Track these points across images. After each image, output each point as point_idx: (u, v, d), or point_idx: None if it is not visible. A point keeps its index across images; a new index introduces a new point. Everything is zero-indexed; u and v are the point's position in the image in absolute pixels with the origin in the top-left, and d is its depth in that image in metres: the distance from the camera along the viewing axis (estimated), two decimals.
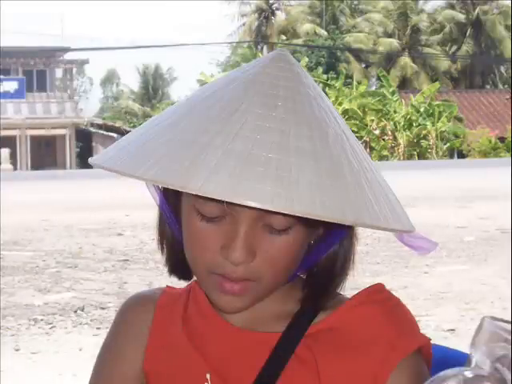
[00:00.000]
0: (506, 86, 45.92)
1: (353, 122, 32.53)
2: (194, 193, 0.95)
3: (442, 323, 6.40)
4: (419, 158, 34.06)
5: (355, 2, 49.33)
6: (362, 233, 1.17)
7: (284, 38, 48.58)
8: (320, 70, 38.18)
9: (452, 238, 10.92)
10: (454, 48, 48.41)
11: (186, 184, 0.95)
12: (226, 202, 0.96)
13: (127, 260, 9.67)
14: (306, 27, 46.20)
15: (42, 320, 6.79)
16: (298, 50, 42.88)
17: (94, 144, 41.56)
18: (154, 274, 8.53)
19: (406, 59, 45.89)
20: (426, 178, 21.80)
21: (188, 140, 0.99)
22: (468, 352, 0.88)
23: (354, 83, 35.51)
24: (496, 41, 47.82)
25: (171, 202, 1.14)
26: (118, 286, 8.14)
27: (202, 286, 1.15)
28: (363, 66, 47.46)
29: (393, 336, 1.11)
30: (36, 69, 41.81)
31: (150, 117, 1.20)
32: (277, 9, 51.27)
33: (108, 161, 1.04)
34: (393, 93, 34.90)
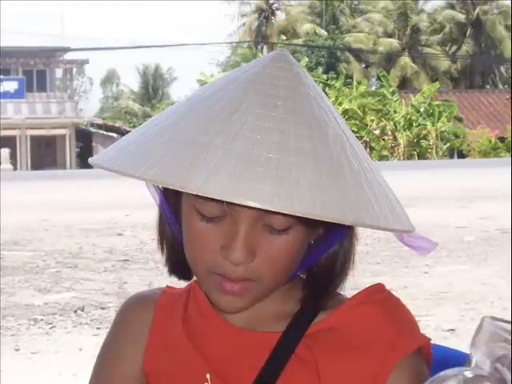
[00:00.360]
0: (506, 86, 45.93)
1: (353, 122, 32.53)
2: (193, 193, 0.95)
3: (442, 323, 6.40)
4: (419, 158, 34.07)
5: (355, 2, 49.33)
6: (362, 233, 1.17)
7: (284, 37, 48.58)
8: (320, 70, 38.18)
9: (452, 238, 10.92)
10: (454, 48, 48.41)
11: (186, 184, 0.95)
12: (226, 201, 0.96)
13: (127, 260, 9.68)
14: (305, 27, 46.21)
15: (42, 320, 6.79)
16: (298, 50, 42.88)
17: (94, 144, 41.57)
18: (153, 274, 8.53)
19: (406, 59, 45.90)
20: (426, 178, 21.80)
21: (188, 140, 0.99)
22: (468, 352, 0.88)
23: (354, 83, 35.51)
24: (496, 41, 47.82)
25: (171, 202, 1.14)
26: (118, 285, 8.14)
27: (202, 286, 1.15)
28: (363, 65, 47.46)
29: (393, 336, 1.11)
30: (36, 69, 41.81)
31: (150, 117, 1.20)
32: (277, 9, 51.28)
33: (108, 161, 1.04)
34: (393, 93, 34.90)
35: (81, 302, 7.35)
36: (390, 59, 46.31)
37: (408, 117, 34.32)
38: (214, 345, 1.16)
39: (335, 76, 37.44)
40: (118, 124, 41.38)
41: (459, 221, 12.73)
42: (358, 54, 46.40)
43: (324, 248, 1.13)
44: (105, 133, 40.40)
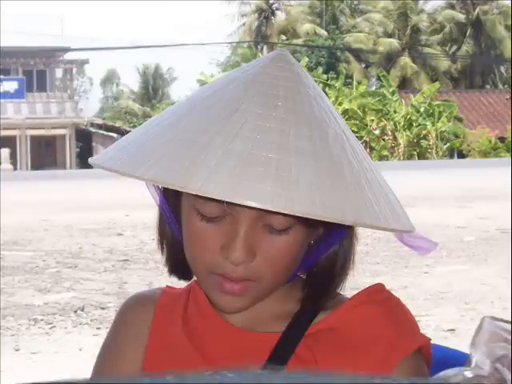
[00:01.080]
0: (506, 86, 45.91)
1: (353, 122, 32.51)
2: (193, 193, 0.95)
3: (442, 323, 6.39)
4: (419, 158, 34.06)
5: (355, 2, 49.31)
6: (362, 233, 1.16)
7: (284, 38, 48.56)
8: (320, 70, 38.17)
9: (452, 238, 10.92)
10: (454, 48, 48.40)
11: (186, 184, 0.95)
12: (226, 201, 0.96)
13: (127, 260, 9.67)
14: (305, 27, 46.19)
15: (42, 320, 6.78)
16: (298, 50, 42.87)
17: (94, 144, 41.55)
18: (154, 274, 8.53)
19: (406, 59, 45.89)
20: (426, 178, 21.78)
21: (188, 140, 0.99)
22: (468, 352, 0.88)
23: (354, 83, 35.50)
24: (496, 41, 47.81)
25: (171, 202, 1.14)
26: (118, 285, 8.13)
27: (202, 286, 1.15)
28: (363, 65, 47.44)
29: (393, 336, 1.11)
30: (36, 69, 41.80)
31: (150, 117, 1.20)
32: (277, 9, 51.26)
33: (108, 161, 1.04)
34: (393, 93, 34.89)
35: (81, 302, 7.35)
36: (390, 59, 46.30)
37: (408, 117, 34.31)
38: (214, 345, 1.16)
39: (335, 76, 37.42)
40: (118, 124, 41.36)
41: (459, 221, 12.72)
42: (358, 54, 46.39)
43: (324, 248, 1.13)
44: (105, 133, 40.38)
